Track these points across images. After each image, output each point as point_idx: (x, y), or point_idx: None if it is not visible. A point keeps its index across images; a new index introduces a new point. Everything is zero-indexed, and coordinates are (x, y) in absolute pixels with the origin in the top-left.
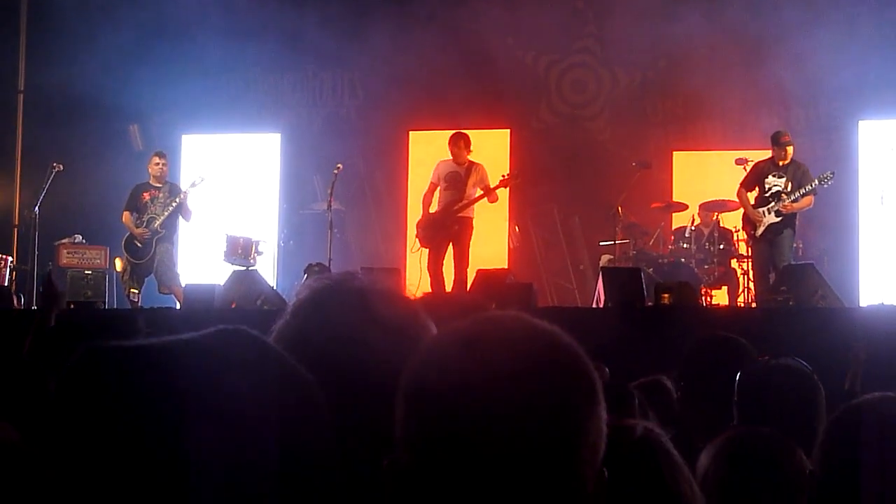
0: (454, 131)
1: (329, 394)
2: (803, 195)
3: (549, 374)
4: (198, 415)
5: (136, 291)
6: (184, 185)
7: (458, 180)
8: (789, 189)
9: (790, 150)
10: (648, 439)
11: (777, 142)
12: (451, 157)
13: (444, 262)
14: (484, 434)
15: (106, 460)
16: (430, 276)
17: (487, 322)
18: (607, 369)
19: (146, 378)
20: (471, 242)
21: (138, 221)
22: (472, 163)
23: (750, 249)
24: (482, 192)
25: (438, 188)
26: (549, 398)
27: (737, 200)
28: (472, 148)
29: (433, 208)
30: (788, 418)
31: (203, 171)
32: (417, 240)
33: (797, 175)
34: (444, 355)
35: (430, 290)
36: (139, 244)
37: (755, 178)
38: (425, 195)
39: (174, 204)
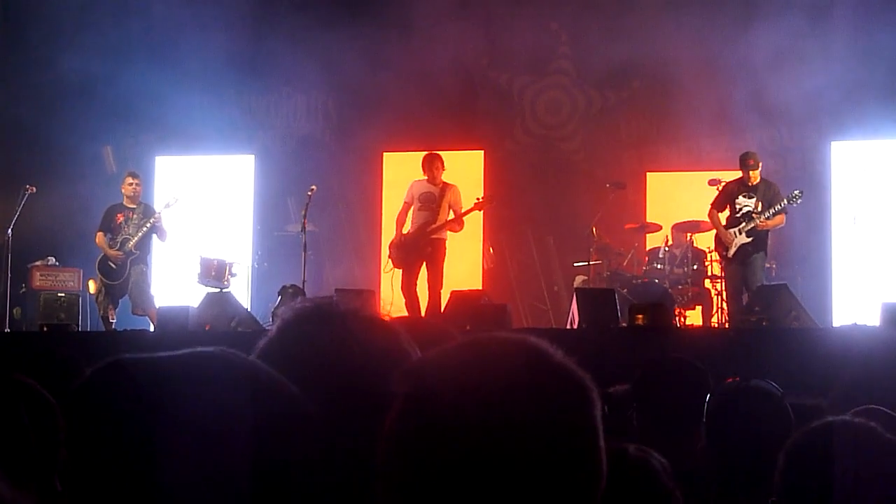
0: (427, 152)
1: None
2: (773, 214)
3: (548, 395)
4: (177, 425)
5: (113, 313)
6: (158, 205)
7: (433, 201)
8: (759, 209)
9: (756, 171)
10: (642, 461)
11: (743, 163)
12: (425, 178)
13: (418, 283)
14: (492, 462)
15: (94, 464)
16: (405, 297)
17: (479, 345)
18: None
19: (140, 390)
20: (444, 263)
21: (112, 242)
22: (446, 184)
23: (723, 270)
24: (453, 217)
25: (412, 208)
26: (552, 418)
27: (709, 222)
28: (445, 167)
29: (406, 228)
30: (756, 442)
31: (177, 192)
32: (390, 260)
33: (767, 195)
34: (444, 383)
35: (405, 311)
36: (113, 265)
37: (725, 198)
38: (399, 215)
39: (148, 225)
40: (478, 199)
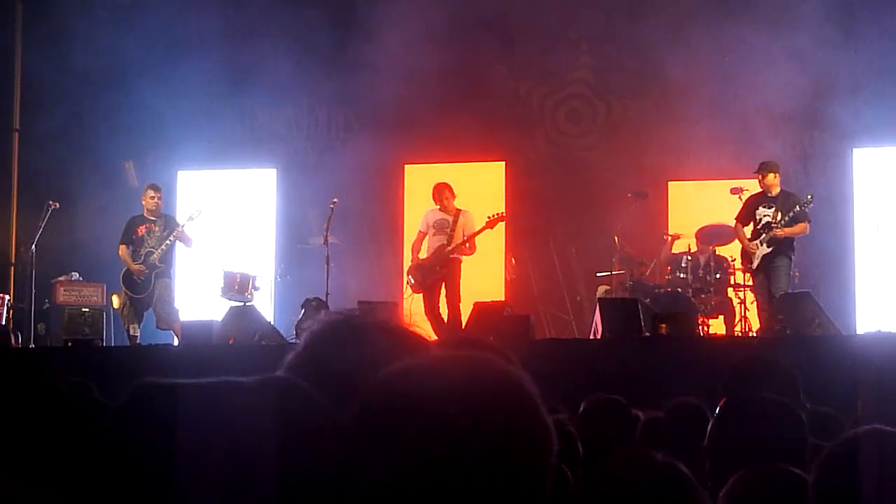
0: (436, 183)
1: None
2: (790, 221)
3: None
4: (204, 457)
5: (136, 327)
6: (181, 218)
7: (447, 226)
8: (778, 218)
9: (771, 178)
10: (670, 468)
11: (762, 170)
12: (438, 207)
13: (440, 304)
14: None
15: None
16: (430, 320)
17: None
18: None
19: (184, 415)
20: (460, 280)
21: (135, 256)
22: (459, 210)
23: (749, 279)
24: (467, 239)
25: (427, 236)
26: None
27: (732, 229)
28: (456, 194)
29: (423, 255)
30: (762, 455)
31: (206, 208)
32: (409, 286)
33: (786, 204)
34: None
35: (433, 335)
36: (138, 279)
37: (748, 211)
38: (414, 243)
39: (172, 238)
40: (488, 217)
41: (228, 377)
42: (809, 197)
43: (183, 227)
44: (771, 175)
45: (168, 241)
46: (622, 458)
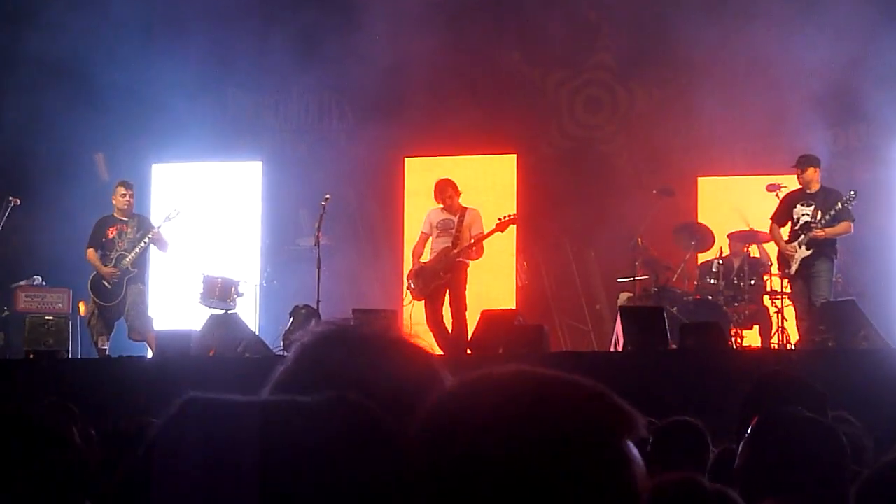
0: (438, 179)
1: None
2: (831, 220)
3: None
4: (275, 480)
5: (105, 339)
6: (156, 219)
7: (451, 227)
8: (818, 217)
9: (811, 173)
10: (721, 496)
11: (800, 164)
12: (441, 206)
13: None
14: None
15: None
16: (432, 330)
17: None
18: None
19: (232, 434)
20: (466, 286)
21: (104, 260)
22: (464, 208)
23: (786, 285)
24: (473, 241)
25: (430, 238)
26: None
27: (767, 231)
28: (461, 191)
29: (425, 258)
30: (797, 476)
31: (177, 203)
32: (409, 292)
33: (827, 201)
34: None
35: (435, 347)
36: (108, 285)
37: (785, 210)
38: (416, 246)
39: (146, 241)
40: (499, 219)
41: (289, 395)
42: (853, 193)
43: (159, 228)
44: (811, 169)
45: (142, 245)
46: (669, 484)
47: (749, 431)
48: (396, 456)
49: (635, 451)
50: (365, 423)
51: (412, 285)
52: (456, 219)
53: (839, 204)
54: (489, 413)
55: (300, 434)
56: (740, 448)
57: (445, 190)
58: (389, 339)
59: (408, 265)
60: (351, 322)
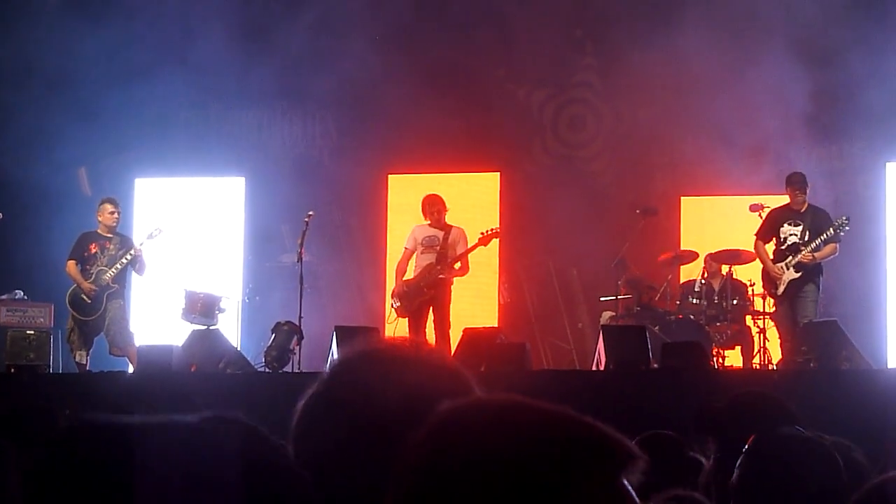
0: (426, 195)
1: (367, 461)
2: (821, 245)
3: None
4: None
5: (85, 354)
6: (137, 236)
7: (436, 244)
8: (806, 238)
9: (804, 195)
10: None
11: (790, 184)
12: (427, 222)
13: (427, 329)
14: None
15: None
16: None
17: (513, 410)
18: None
19: (117, 457)
20: (450, 305)
21: (84, 274)
22: (450, 226)
23: (771, 306)
24: (458, 258)
25: (415, 254)
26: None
27: (751, 250)
28: (448, 208)
29: (408, 276)
30: (794, 498)
31: (160, 221)
32: (394, 310)
33: (815, 222)
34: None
35: None
36: (87, 299)
37: (770, 227)
38: (399, 263)
39: (127, 258)
40: (482, 233)
41: (173, 416)
42: (845, 219)
43: (141, 246)
44: (805, 188)
45: (124, 261)
46: (671, 501)
47: (745, 450)
48: (285, 480)
49: (630, 489)
50: (250, 445)
51: (396, 302)
52: (441, 235)
53: (830, 230)
54: (484, 443)
55: (176, 455)
56: (737, 465)
57: (434, 205)
58: (430, 362)
59: (391, 282)
60: (395, 342)
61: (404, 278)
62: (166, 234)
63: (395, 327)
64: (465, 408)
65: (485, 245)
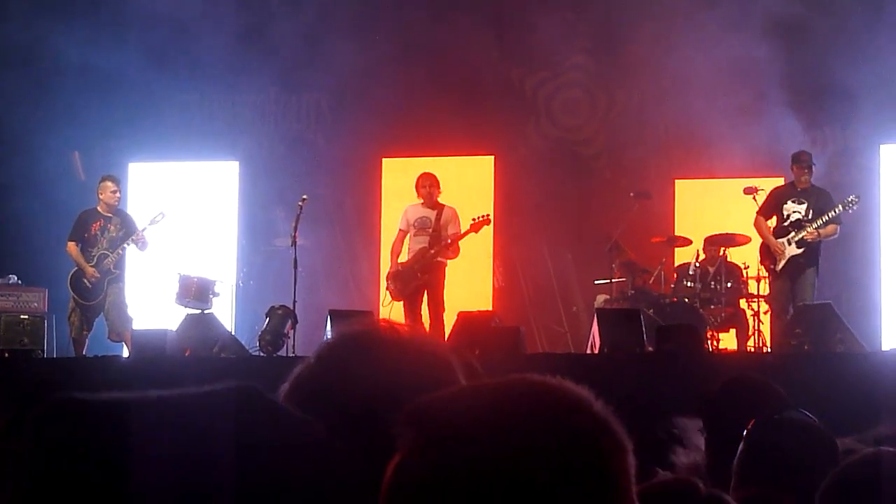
0: (421, 173)
1: (355, 444)
2: (826, 223)
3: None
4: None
5: (85, 333)
6: (140, 221)
7: (429, 226)
8: (810, 216)
9: (810, 173)
10: (714, 499)
11: (797, 162)
12: (420, 201)
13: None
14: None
15: None
16: None
17: (505, 389)
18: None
19: (107, 435)
20: (444, 288)
21: (86, 256)
22: (443, 206)
23: (768, 286)
24: (450, 241)
25: (408, 235)
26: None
27: (745, 234)
28: (441, 188)
29: (403, 257)
30: (796, 483)
31: (159, 206)
32: (388, 293)
33: (819, 201)
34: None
35: None
36: (88, 284)
37: (773, 204)
38: (394, 244)
39: (129, 242)
40: (473, 219)
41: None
42: (855, 198)
43: (143, 231)
44: (811, 166)
45: (125, 245)
46: (663, 485)
47: (746, 434)
48: (303, 450)
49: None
50: (258, 413)
51: (391, 286)
52: (433, 216)
53: (839, 207)
54: (486, 426)
55: (172, 429)
56: (739, 450)
57: (426, 183)
58: (413, 341)
59: (385, 265)
60: (377, 325)
61: (399, 261)
62: (168, 220)
63: (391, 310)
64: (445, 402)
65: (475, 232)
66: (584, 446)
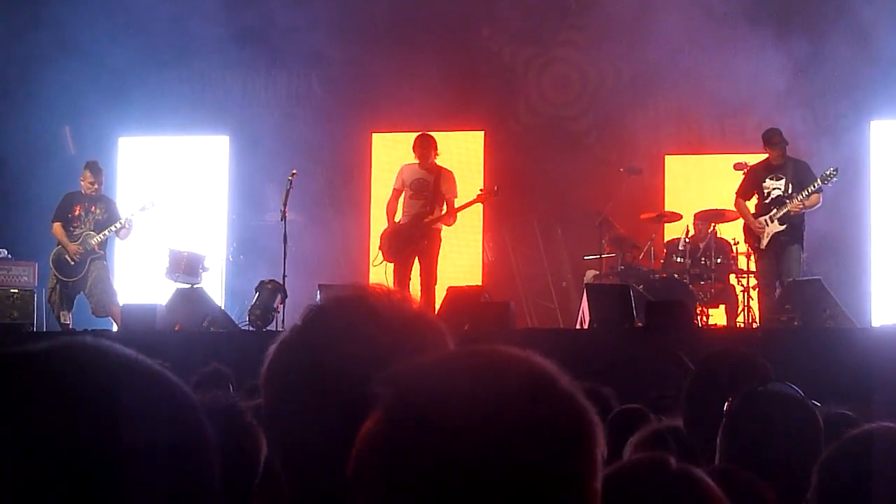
0: (420, 133)
1: (336, 407)
2: (809, 194)
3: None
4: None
5: (67, 314)
6: (130, 207)
7: (426, 188)
8: (790, 191)
9: (782, 149)
10: (685, 474)
11: (766, 141)
12: (416, 162)
13: (411, 277)
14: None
15: None
16: None
17: (475, 358)
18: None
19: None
20: (439, 256)
21: (70, 236)
22: (440, 169)
23: (754, 263)
24: (447, 209)
25: (403, 195)
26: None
27: (734, 210)
28: (439, 151)
29: (398, 217)
30: (782, 454)
31: (151, 179)
32: (381, 252)
33: (798, 174)
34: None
35: None
36: (71, 261)
37: (752, 183)
38: (389, 203)
39: (115, 227)
40: (481, 190)
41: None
42: (833, 170)
43: (132, 217)
44: (780, 143)
45: (112, 229)
46: (633, 464)
47: (727, 406)
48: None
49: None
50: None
51: (384, 245)
52: (431, 179)
53: (818, 181)
54: (438, 399)
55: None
56: (722, 424)
57: (425, 144)
58: (400, 307)
59: (375, 241)
60: (359, 288)
61: (396, 220)
62: (159, 207)
63: (383, 269)
64: (422, 367)
65: (482, 202)
66: (549, 418)
